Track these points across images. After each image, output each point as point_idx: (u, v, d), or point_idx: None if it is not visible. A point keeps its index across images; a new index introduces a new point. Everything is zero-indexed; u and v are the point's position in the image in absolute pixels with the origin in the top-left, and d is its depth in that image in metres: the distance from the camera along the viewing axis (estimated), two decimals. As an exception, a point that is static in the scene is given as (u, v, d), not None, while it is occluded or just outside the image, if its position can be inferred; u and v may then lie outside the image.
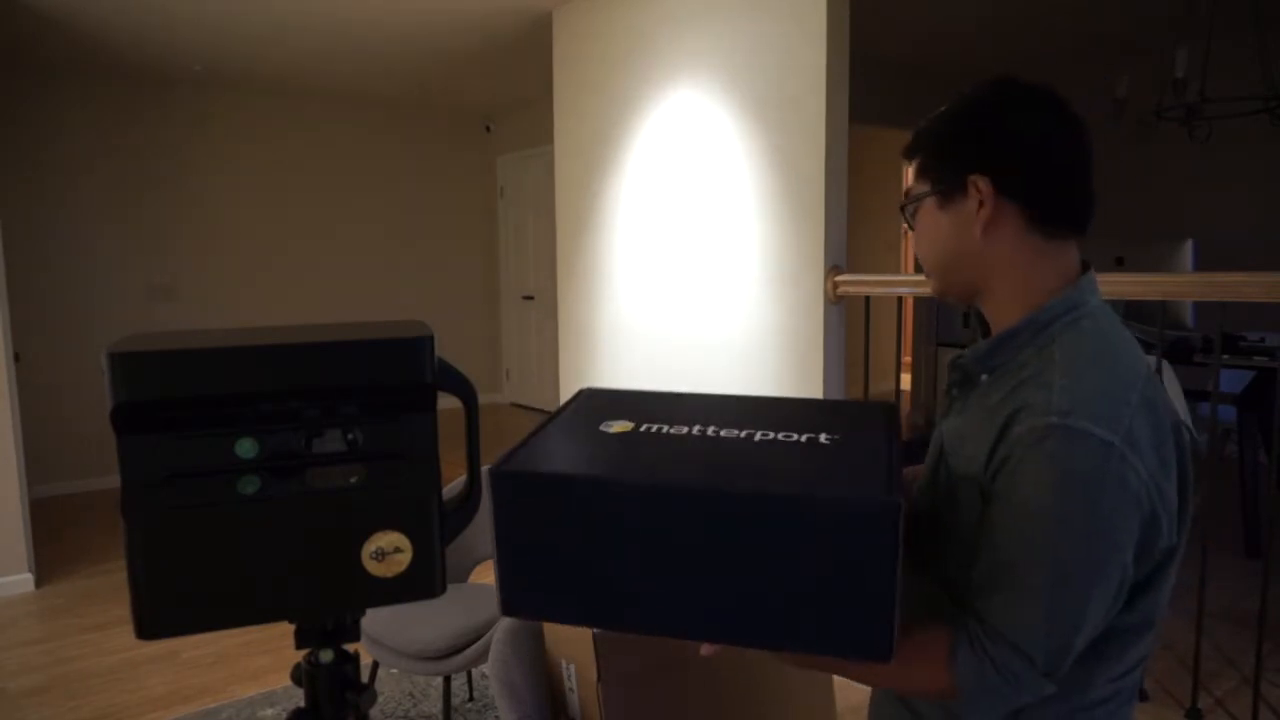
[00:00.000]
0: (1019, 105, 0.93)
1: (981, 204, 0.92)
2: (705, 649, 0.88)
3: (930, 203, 0.97)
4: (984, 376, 0.96)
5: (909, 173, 1.03)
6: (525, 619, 0.86)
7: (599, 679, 1.16)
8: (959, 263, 0.97)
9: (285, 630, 2.96)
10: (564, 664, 1.24)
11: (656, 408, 1.03)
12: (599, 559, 0.82)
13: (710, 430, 0.93)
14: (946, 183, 0.95)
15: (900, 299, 2.86)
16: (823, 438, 0.90)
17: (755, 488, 0.78)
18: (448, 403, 0.72)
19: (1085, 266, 0.96)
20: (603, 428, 0.94)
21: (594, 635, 1.15)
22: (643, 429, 0.94)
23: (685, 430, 0.93)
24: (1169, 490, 0.84)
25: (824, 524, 0.76)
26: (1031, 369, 0.89)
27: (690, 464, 0.84)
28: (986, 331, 1.01)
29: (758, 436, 0.91)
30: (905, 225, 1.05)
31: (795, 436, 0.90)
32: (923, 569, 0.95)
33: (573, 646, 1.20)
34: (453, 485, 1.28)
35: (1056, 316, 0.92)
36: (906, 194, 1.01)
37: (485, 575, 3.22)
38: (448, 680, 2.19)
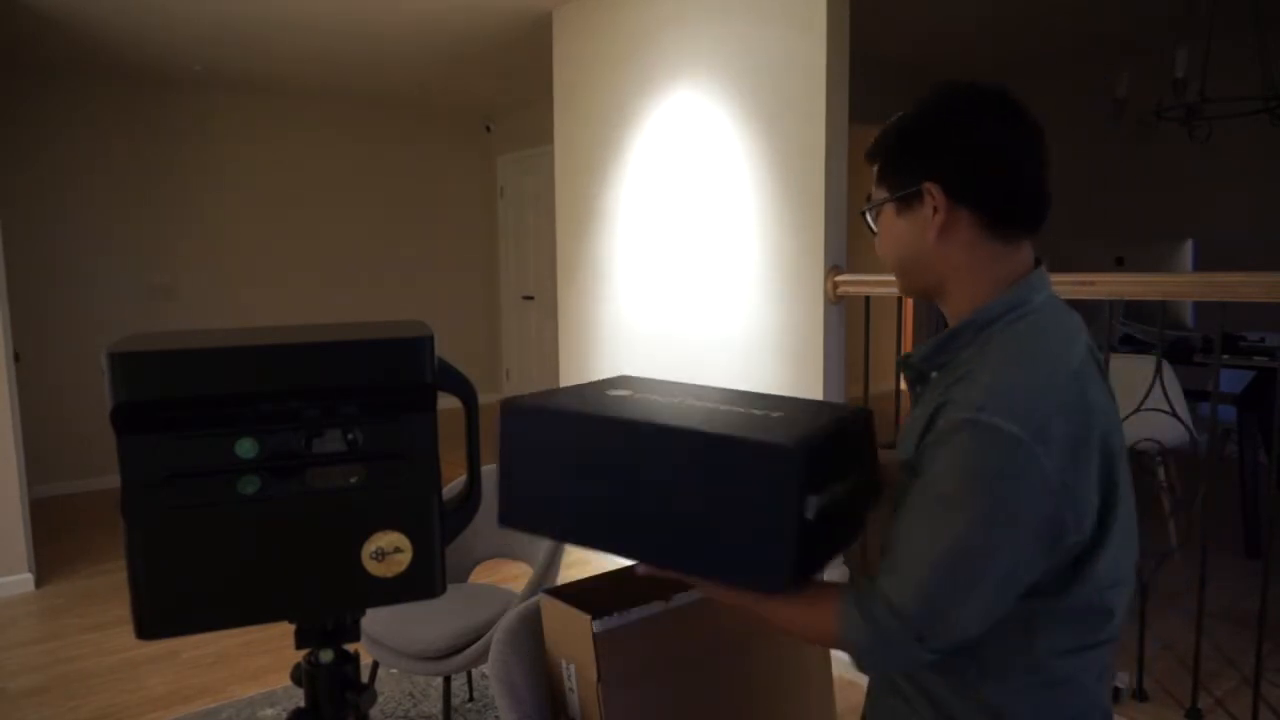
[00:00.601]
0: (969, 112, 0.97)
1: (935, 210, 0.97)
2: (640, 569, 1.00)
3: (889, 209, 1.02)
4: (934, 374, 1.02)
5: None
6: (516, 529, 1.04)
7: (599, 679, 1.16)
8: (917, 265, 1.02)
9: (285, 630, 2.96)
10: (564, 664, 1.24)
11: (663, 387, 1.17)
12: (573, 482, 0.99)
13: (690, 401, 1.08)
14: (903, 190, 1.00)
15: (900, 299, 2.86)
16: (774, 414, 1.01)
17: (686, 427, 0.94)
18: (448, 403, 0.72)
19: (1038, 263, 1.00)
20: (608, 391, 1.11)
21: (594, 635, 1.15)
22: (638, 396, 1.09)
23: (670, 400, 1.08)
24: (1081, 488, 0.88)
25: (736, 463, 0.91)
26: (965, 367, 0.94)
27: (653, 414, 0.99)
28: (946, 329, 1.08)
29: (723, 408, 1.04)
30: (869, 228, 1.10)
31: (754, 411, 1.03)
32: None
33: (573, 646, 1.20)
34: (453, 485, 1.28)
35: (998, 316, 0.96)
36: (868, 198, 1.06)
37: (485, 575, 3.22)
38: (448, 680, 2.19)
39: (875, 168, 1.04)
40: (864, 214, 1.07)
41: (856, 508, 1.07)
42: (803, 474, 0.89)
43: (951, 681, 0.97)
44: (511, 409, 1.00)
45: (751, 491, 0.90)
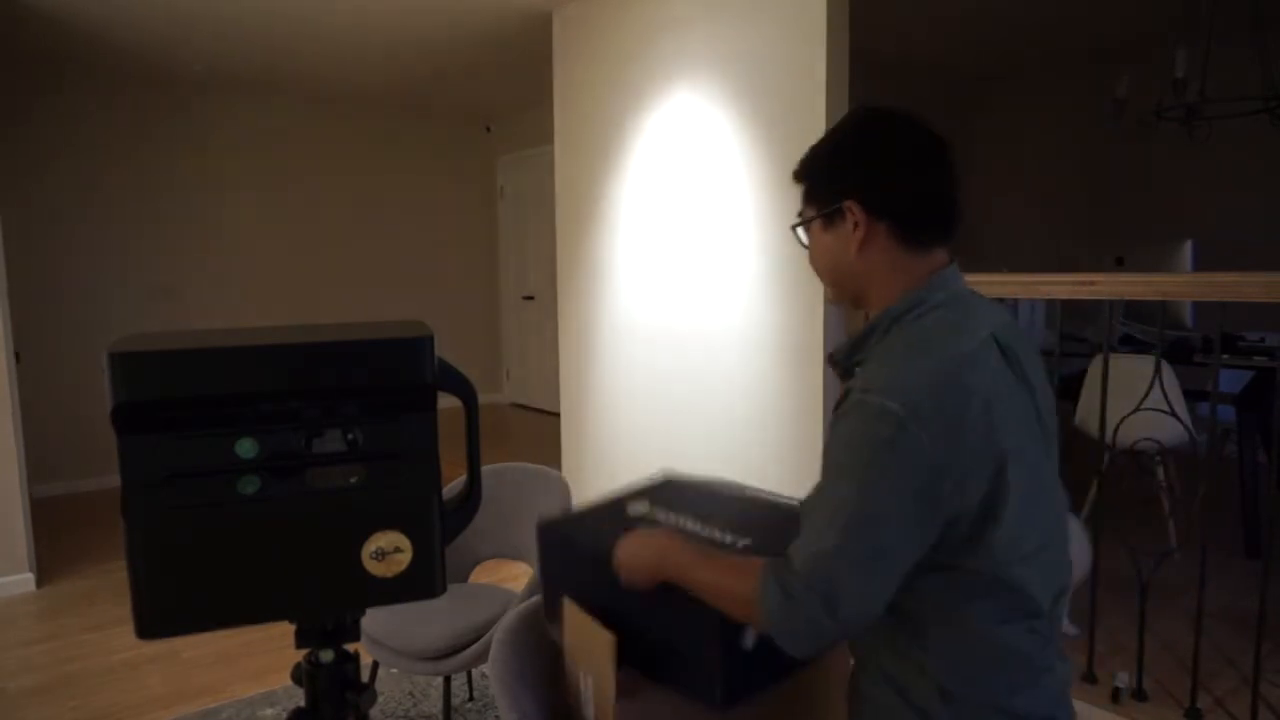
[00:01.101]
0: (881, 135, 1.08)
1: (856, 225, 1.08)
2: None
3: (816, 225, 1.14)
4: (857, 369, 1.09)
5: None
6: (548, 619, 1.27)
7: (617, 698, 1.16)
8: (842, 275, 1.13)
9: (285, 630, 2.95)
10: (582, 676, 1.24)
11: (682, 498, 1.42)
12: (588, 589, 1.22)
13: (688, 524, 1.29)
14: (827, 208, 1.11)
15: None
16: (739, 544, 1.21)
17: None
18: (448, 403, 0.72)
19: (950, 263, 1.10)
20: (628, 508, 1.36)
21: (615, 656, 1.15)
22: (653, 513, 1.34)
23: (675, 520, 1.31)
24: (959, 463, 0.95)
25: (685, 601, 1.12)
26: (874, 356, 1.05)
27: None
28: None
29: (703, 533, 1.26)
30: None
31: (726, 539, 1.24)
32: None
33: (592, 660, 1.21)
34: (453, 485, 1.28)
35: (901, 314, 1.06)
36: (799, 215, 1.17)
37: (485, 575, 3.22)
38: (448, 680, 2.19)
39: (802, 188, 1.15)
40: (794, 229, 1.18)
41: None
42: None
43: (899, 656, 1.06)
44: (543, 530, 1.30)
45: (693, 622, 1.07)
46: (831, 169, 1.11)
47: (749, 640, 1.10)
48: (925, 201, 1.07)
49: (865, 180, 1.07)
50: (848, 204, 1.07)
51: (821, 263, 1.15)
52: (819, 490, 1.00)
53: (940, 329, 1.03)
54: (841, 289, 1.16)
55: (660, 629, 1.12)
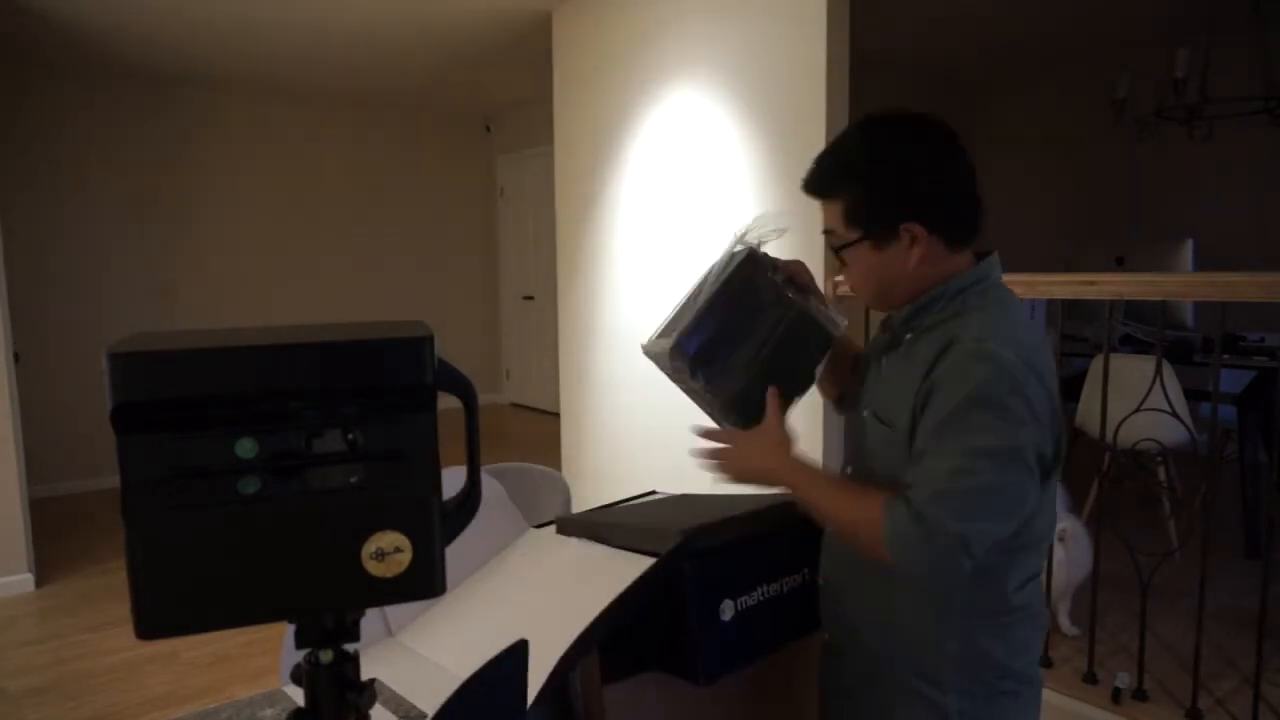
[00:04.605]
0: (929, 152, 1.09)
1: (914, 243, 1.09)
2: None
3: (863, 247, 1.12)
4: (908, 336, 1.13)
5: (820, 208, 1.17)
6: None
7: (604, 682, 1.16)
8: (894, 287, 1.13)
9: (285, 630, 2.95)
10: None
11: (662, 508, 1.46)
12: None
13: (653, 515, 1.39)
14: (881, 231, 1.10)
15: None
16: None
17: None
18: (448, 403, 0.72)
19: (989, 253, 1.15)
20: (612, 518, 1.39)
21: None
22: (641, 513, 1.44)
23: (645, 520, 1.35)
24: (1055, 422, 1.03)
25: (658, 575, 1.14)
26: (953, 324, 1.07)
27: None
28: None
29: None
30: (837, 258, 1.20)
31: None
32: (870, 475, 1.15)
33: None
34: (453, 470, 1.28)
35: (967, 286, 1.10)
36: (831, 234, 1.15)
37: (485, 575, 3.22)
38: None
39: (834, 206, 1.13)
40: (834, 249, 1.16)
41: (805, 602, 1.24)
42: (707, 582, 1.10)
43: (927, 625, 1.09)
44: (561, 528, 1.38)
45: (673, 598, 1.09)
46: (884, 192, 1.09)
47: (728, 610, 1.13)
48: (971, 207, 1.11)
49: (923, 200, 1.08)
50: (907, 227, 1.08)
51: (868, 279, 1.15)
52: (942, 435, 1.00)
53: (1017, 309, 1.11)
54: (886, 300, 1.16)
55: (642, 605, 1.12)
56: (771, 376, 1.16)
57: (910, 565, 1.00)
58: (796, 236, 3.01)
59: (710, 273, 1.25)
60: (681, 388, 1.22)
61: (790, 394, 1.19)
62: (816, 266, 2.93)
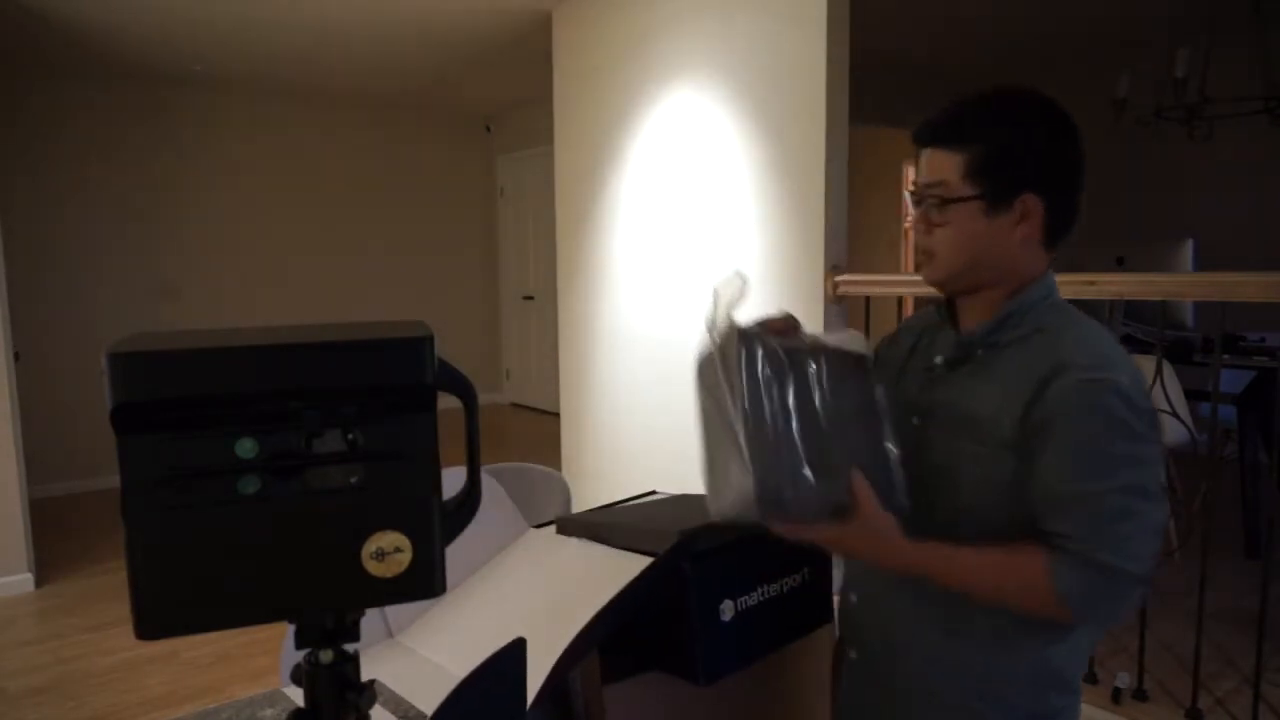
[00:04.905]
0: (1066, 132, 1.04)
1: (1024, 219, 1.03)
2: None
3: (974, 207, 1.03)
4: (979, 352, 1.07)
5: (927, 158, 1.07)
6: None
7: (604, 683, 1.16)
8: (984, 263, 1.06)
9: (285, 630, 2.95)
10: None
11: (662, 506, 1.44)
12: None
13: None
14: (998, 195, 1.02)
15: (900, 299, 2.86)
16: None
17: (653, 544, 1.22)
18: (448, 403, 0.72)
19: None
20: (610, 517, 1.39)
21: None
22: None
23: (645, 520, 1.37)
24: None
25: (657, 576, 1.14)
26: (1040, 342, 1.02)
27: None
28: (951, 318, 1.14)
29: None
30: (917, 212, 1.09)
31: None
32: (924, 513, 1.04)
33: None
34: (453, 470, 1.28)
35: (1040, 299, 1.06)
36: (940, 186, 1.05)
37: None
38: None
39: (954, 157, 1.04)
40: (940, 202, 1.05)
41: (805, 602, 1.23)
42: (707, 582, 1.09)
43: (994, 645, 1.05)
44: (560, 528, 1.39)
45: (673, 598, 1.09)
46: (1015, 158, 1.02)
47: (728, 611, 1.13)
48: (1077, 206, 1.06)
49: (1050, 175, 1.03)
50: (1026, 197, 1.02)
51: (962, 247, 1.05)
52: (1085, 469, 0.95)
53: (1088, 317, 1.06)
54: (968, 277, 1.07)
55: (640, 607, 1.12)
56: (839, 443, 0.99)
57: (1099, 617, 0.97)
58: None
59: (717, 391, 1.02)
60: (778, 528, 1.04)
61: (866, 448, 1.02)
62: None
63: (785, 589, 1.23)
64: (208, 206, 5.68)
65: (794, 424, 0.97)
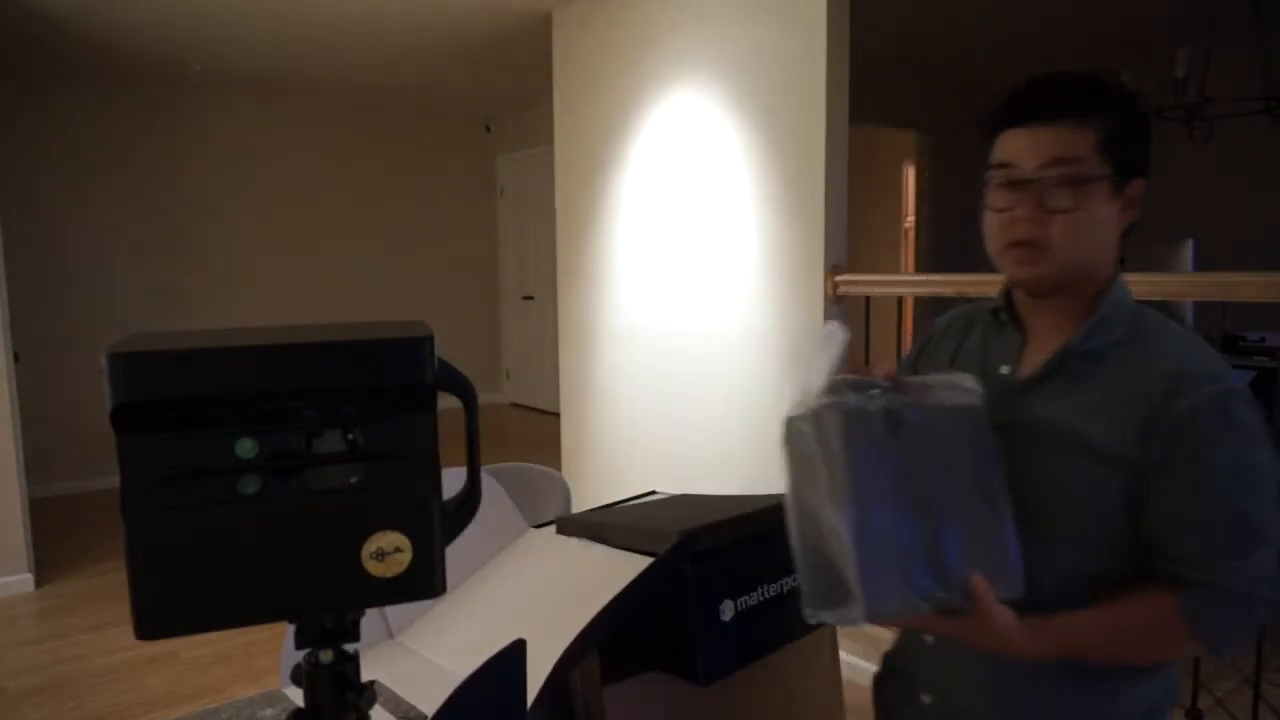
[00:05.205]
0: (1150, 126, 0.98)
1: (1129, 207, 0.96)
2: None
3: (1103, 188, 0.93)
4: (1072, 362, 0.97)
5: (1047, 136, 0.93)
6: None
7: (604, 684, 1.16)
8: (1087, 255, 0.96)
9: (285, 630, 2.95)
10: None
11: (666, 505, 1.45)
12: None
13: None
14: (1121, 176, 0.94)
15: (900, 299, 2.86)
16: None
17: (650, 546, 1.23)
18: (448, 403, 0.72)
19: None
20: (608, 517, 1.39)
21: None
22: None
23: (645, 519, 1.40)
24: None
25: (658, 575, 1.14)
26: (1144, 347, 0.94)
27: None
28: (1015, 324, 1.05)
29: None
30: (1023, 197, 0.94)
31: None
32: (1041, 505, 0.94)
33: None
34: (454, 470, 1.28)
35: (1128, 300, 0.99)
36: (1073, 163, 0.92)
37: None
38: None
39: (1081, 132, 0.92)
40: (1070, 180, 0.92)
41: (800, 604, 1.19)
42: (707, 582, 1.09)
43: (1100, 686, 0.95)
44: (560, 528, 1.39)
45: (673, 598, 1.10)
46: (1138, 135, 0.94)
47: (728, 611, 1.13)
48: None
49: (1148, 166, 0.95)
50: (1139, 182, 0.95)
51: (1079, 239, 0.93)
52: (1222, 491, 0.88)
53: (1166, 318, 1.00)
54: (1074, 270, 0.96)
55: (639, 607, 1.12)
56: (955, 528, 0.88)
57: (1231, 649, 0.90)
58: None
59: (811, 467, 0.89)
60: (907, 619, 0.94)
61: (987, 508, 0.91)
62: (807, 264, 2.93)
63: (785, 589, 1.23)
64: (208, 206, 5.68)
65: (905, 515, 0.85)
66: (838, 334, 0.92)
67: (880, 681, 1.14)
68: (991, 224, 0.99)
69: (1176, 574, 0.89)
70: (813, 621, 0.91)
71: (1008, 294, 1.06)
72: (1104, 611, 0.90)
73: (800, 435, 0.90)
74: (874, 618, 0.86)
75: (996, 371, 1.03)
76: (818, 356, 0.91)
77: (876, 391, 0.89)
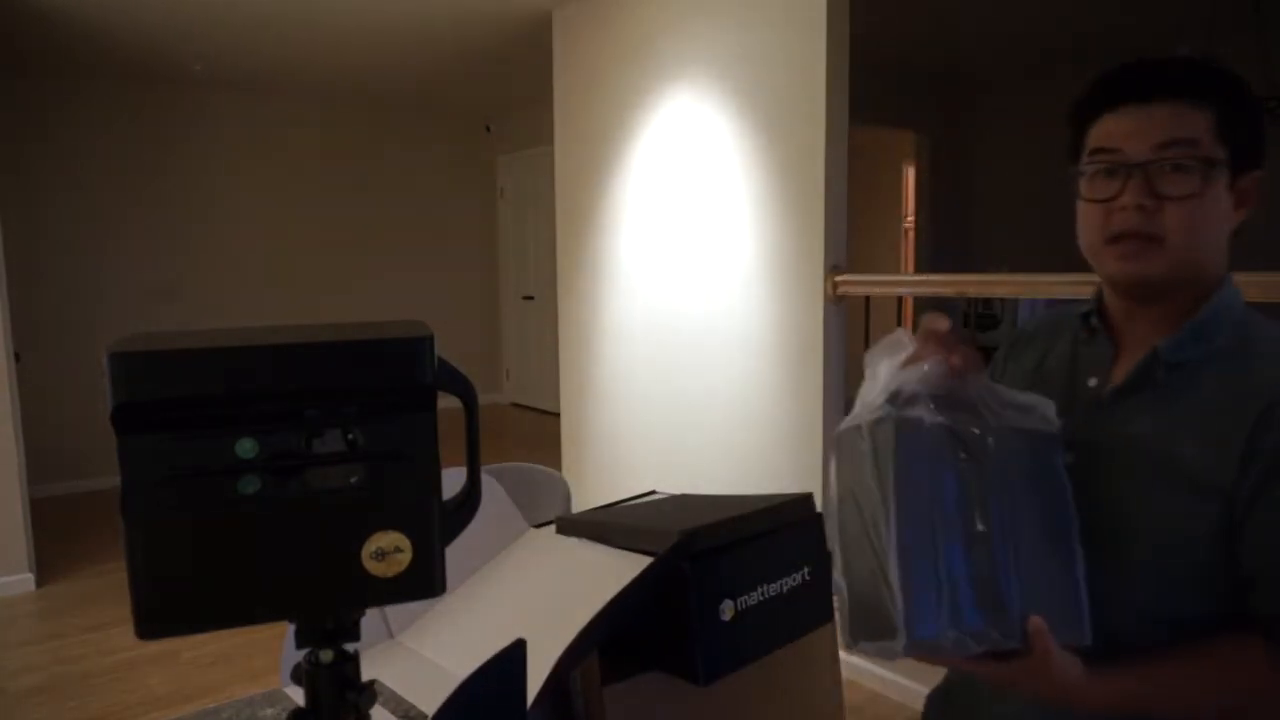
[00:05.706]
0: None
1: (1244, 202, 0.88)
2: None
3: (1223, 178, 0.84)
4: (1162, 373, 0.88)
5: (1163, 115, 0.85)
6: None
7: (604, 684, 1.16)
8: (1202, 250, 0.86)
9: (285, 630, 2.95)
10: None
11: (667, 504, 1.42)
12: None
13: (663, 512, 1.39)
14: (1248, 157, 0.86)
15: (900, 299, 2.87)
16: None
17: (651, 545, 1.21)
18: (448, 403, 0.72)
19: None
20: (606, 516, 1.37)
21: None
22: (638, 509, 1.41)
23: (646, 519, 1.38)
24: None
25: (658, 574, 1.11)
26: (1251, 357, 0.84)
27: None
28: (1107, 330, 0.95)
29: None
30: (1133, 185, 0.85)
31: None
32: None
33: None
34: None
35: (1238, 303, 0.89)
36: (1185, 145, 0.83)
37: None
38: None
39: (1198, 113, 0.83)
40: (1187, 162, 0.83)
41: (806, 601, 1.20)
42: (707, 582, 1.07)
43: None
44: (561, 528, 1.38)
45: (673, 598, 1.07)
46: (1257, 120, 0.86)
47: (728, 611, 1.12)
48: None
49: (1263, 158, 0.87)
50: (1256, 175, 0.87)
51: (1196, 230, 0.84)
52: None
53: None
54: (1190, 266, 0.87)
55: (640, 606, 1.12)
56: (1015, 565, 0.79)
57: None
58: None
59: (861, 484, 0.82)
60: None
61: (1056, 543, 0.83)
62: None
63: (785, 589, 1.23)
64: (207, 206, 5.68)
65: (959, 544, 0.78)
66: (903, 341, 0.84)
67: (936, 700, 1.10)
68: (1089, 215, 0.90)
69: (1275, 617, 0.79)
70: (853, 652, 0.84)
71: (1099, 296, 0.97)
72: (1186, 659, 0.80)
73: (852, 449, 0.83)
74: (917, 653, 0.78)
75: (1084, 383, 0.94)
76: (880, 365, 0.83)
77: (935, 406, 0.80)
